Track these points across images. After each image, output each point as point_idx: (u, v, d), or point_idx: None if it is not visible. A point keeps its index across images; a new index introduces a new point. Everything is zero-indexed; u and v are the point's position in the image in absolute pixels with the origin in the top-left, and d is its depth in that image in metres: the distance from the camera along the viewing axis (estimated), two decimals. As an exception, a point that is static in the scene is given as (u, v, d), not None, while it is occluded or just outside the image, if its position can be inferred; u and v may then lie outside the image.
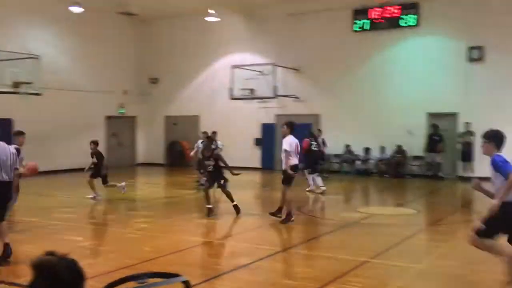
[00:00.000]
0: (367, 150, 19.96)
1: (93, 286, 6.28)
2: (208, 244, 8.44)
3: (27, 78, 16.73)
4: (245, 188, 16.70)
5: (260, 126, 22.56)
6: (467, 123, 18.13)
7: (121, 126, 24.38)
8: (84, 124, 21.90)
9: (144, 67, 25.21)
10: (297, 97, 21.52)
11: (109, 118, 23.49)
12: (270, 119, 22.37)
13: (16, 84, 16.23)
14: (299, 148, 10.60)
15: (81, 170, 17.81)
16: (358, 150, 20.20)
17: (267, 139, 22.42)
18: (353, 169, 20.12)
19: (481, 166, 17.92)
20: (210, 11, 21.04)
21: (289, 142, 10.13)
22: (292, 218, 9.97)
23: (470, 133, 17.94)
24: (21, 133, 9.99)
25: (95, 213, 12.24)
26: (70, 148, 16.52)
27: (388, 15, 19.76)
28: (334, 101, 20.80)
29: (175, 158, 24.01)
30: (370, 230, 9.72)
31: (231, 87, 20.48)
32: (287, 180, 10.30)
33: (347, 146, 20.30)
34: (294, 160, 10.22)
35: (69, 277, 1.85)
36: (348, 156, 20.32)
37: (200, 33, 23.45)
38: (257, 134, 22.58)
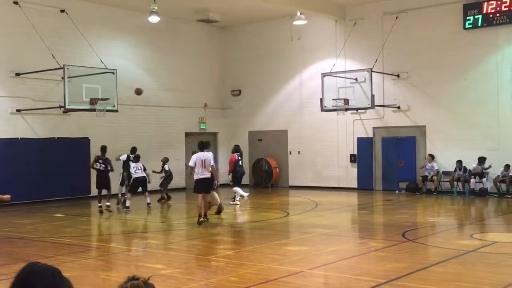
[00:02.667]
0: (481, 163, 19.06)
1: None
2: (300, 274, 8.40)
3: (104, 94, 17.68)
4: (340, 211, 16.59)
5: (355, 140, 22.31)
6: None
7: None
8: (162, 142, 22.73)
9: (225, 79, 25.86)
10: (397, 107, 21.13)
11: (189, 134, 24.20)
12: (367, 133, 22.09)
13: (93, 101, 17.18)
14: (205, 163, 13.52)
15: (158, 191, 18.50)
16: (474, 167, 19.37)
17: (364, 155, 22.11)
18: (468, 189, 19.31)
19: None
20: (298, 14, 21.26)
21: (193, 159, 13.69)
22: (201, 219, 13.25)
23: None
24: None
25: (176, 238, 12.61)
26: (148, 167, 17.24)
27: (505, 8, 18.98)
28: (442, 110, 20.23)
29: (261, 178, 24.26)
30: (491, 261, 9.28)
31: (322, 98, 20.44)
32: (196, 188, 13.79)
33: (460, 162, 19.53)
34: (197, 175, 13.53)
35: None
36: (461, 174, 19.53)
37: (286, 38, 23.75)
38: (353, 149, 22.32)
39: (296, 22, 21.87)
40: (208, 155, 13.85)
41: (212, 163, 13.80)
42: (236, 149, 17.96)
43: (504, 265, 8.93)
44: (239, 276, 8.27)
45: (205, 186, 13.72)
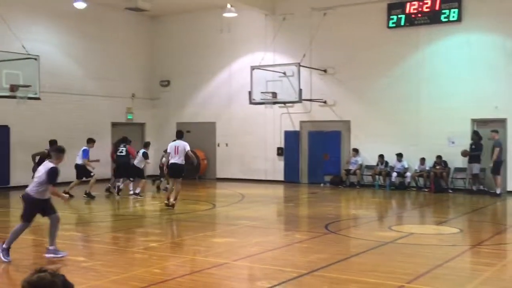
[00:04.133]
0: (400, 159, 19.82)
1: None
2: (224, 266, 8.47)
3: (25, 80, 17.05)
4: (266, 204, 16.75)
5: (282, 134, 22.60)
6: (494, 131, 18.08)
7: (128, 133, 24.60)
8: (87, 131, 22.16)
9: (154, 69, 25.54)
10: (324, 102, 21.56)
11: (115, 124, 23.76)
12: (294, 126, 22.43)
13: (13, 88, 16.54)
14: (178, 150, 14.48)
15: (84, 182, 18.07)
16: (393, 161, 20.09)
17: (291, 148, 22.44)
18: (388, 183, 20.01)
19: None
20: (228, 6, 21.24)
21: (169, 146, 14.95)
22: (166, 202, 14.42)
23: (497, 142, 17.92)
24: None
25: (99, 230, 12.38)
26: (71, 157, 16.74)
27: (427, 9, 19.72)
28: (366, 106, 20.81)
29: (189, 169, 24.11)
30: (406, 251, 9.67)
31: (251, 91, 20.55)
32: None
33: (381, 156, 20.21)
34: (170, 160, 14.69)
35: None
36: (382, 168, 20.22)
37: (216, 30, 23.69)
38: (280, 143, 22.60)
39: (226, 14, 21.86)
40: (182, 143, 14.64)
41: (187, 149, 14.53)
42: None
43: (418, 255, 9.32)
44: (162, 268, 8.25)
45: (174, 171, 14.69)
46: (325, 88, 21.63)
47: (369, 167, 20.80)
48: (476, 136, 18.58)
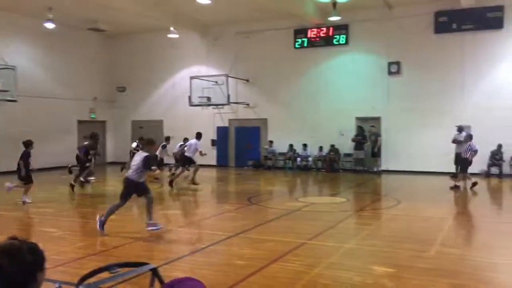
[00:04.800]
0: (305, 147, 20.28)
1: (64, 271, 6.15)
2: (170, 232, 8.38)
3: (4, 86, 16.13)
4: (203, 183, 16.67)
5: (215, 129, 22.52)
6: (372, 126, 18.90)
7: (92, 129, 23.76)
8: (56, 128, 21.28)
9: (112, 77, 24.69)
10: (247, 104, 21.63)
11: (81, 122, 22.87)
12: (224, 123, 22.40)
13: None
14: (191, 148, 14.87)
15: (56, 169, 17.28)
16: (299, 149, 20.49)
17: (222, 140, 22.43)
18: (295, 166, 20.40)
19: (394, 161, 18.65)
20: (171, 28, 20.84)
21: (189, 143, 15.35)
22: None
23: (375, 134, 18.80)
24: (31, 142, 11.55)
25: (69, 207, 11.90)
26: (45, 150, 16.10)
27: (323, 35, 20.14)
28: (279, 107, 21.04)
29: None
30: (309, 217, 9.91)
31: (190, 95, 20.38)
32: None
33: (291, 145, 20.57)
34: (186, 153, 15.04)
35: (33, 258, 1.83)
36: (291, 154, 20.58)
37: (163, 47, 23.20)
38: (213, 136, 22.53)
39: (170, 35, 21.44)
40: (195, 142, 15.01)
41: (198, 148, 14.88)
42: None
43: (317, 219, 9.58)
44: (120, 235, 8.06)
45: (185, 161, 15.23)
46: (248, 93, 21.69)
47: (281, 154, 21.10)
48: (361, 130, 19.26)
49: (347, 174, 18.83)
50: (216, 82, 20.51)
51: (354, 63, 19.70)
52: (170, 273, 5.41)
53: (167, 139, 18.29)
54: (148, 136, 10.28)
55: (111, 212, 8.30)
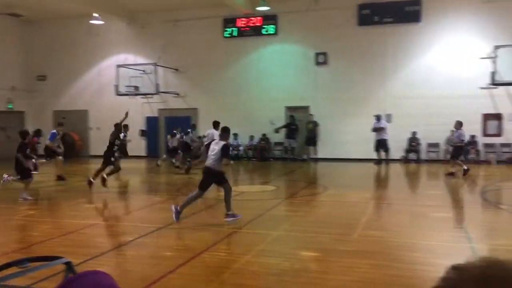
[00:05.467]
0: (236, 137, 20.35)
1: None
2: (95, 226, 8.08)
3: None
4: (132, 174, 16.25)
5: (144, 119, 21.97)
6: (311, 114, 19.37)
7: (9, 120, 22.34)
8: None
9: (31, 65, 23.27)
10: (177, 94, 21.29)
11: (-3, 113, 21.40)
12: (154, 113, 21.92)
13: None
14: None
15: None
16: (231, 138, 20.45)
17: (152, 130, 21.93)
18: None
19: (322, 149, 19.25)
20: (94, 14, 19.96)
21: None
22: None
23: (314, 122, 19.22)
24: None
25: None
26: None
27: (252, 24, 20.22)
28: (210, 97, 20.91)
29: (66, 149, 22.50)
30: (239, 205, 9.93)
31: (117, 84, 19.70)
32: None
33: (221, 135, 20.52)
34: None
35: None
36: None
37: (87, 34, 22.19)
38: (142, 126, 21.96)
39: (93, 21, 20.52)
40: (213, 132, 14.15)
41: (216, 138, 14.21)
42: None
43: (248, 207, 9.62)
44: (40, 231, 7.66)
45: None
46: (177, 83, 21.35)
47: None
48: (293, 119, 19.63)
49: (277, 163, 19.15)
50: (144, 71, 19.97)
51: (283, 53, 19.99)
52: (93, 269, 5.22)
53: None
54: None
55: (189, 203, 8.09)
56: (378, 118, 17.30)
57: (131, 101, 20.86)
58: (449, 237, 7.10)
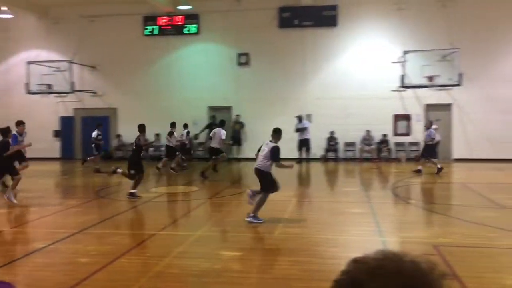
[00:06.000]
0: (157, 137, 19.91)
1: None
2: (2, 233, 7.52)
3: None
4: (46, 178, 15.36)
5: (59, 119, 20.83)
6: (238, 115, 19.46)
7: None
8: None
9: None
10: (94, 93, 20.44)
11: None
12: (69, 113, 20.86)
13: None
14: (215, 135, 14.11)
15: None
16: (152, 139, 19.98)
17: (67, 131, 20.85)
18: (148, 156, 19.90)
19: (245, 149, 19.42)
20: (3, 8, 18.61)
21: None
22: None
23: (240, 123, 19.33)
24: (21, 123, 11.31)
25: None
26: None
27: (174, 23, 19.93)
28: (131, 96, 20.31)
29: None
30: (161, 207, 9.78)
31: (27, 82, 18.49)
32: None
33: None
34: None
35: None
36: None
37: (-7, 28, 20.61)
38: (56, 126, 20.81)
39: (1, 15, 19.11)
40: (219, 130, 14.19)
41: (223, 137, 14.17)
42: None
43: (169, 209, 9.54)
44: None
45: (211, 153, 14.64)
46: (95, 81, 20.50)
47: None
48: (214, 119, 19.52)
49: (201, 163, 18.98)
50: (58, 68, 18.94)
51: (205, 53, 19.90)
52: (1, 278, 4.86)
53: (172, 125, 16.44)
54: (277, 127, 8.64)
55: (260, 206, 7.92)
56: (300, 118, 17.86)
57: (44, 100, 19.71)
58: (363, 232, 7.47)
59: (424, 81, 16.71)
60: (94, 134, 16.04)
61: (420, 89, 17.40)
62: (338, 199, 10.86)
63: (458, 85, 16.47)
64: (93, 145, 16.14)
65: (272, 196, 10.46)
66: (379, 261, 0.91)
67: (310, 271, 5.48)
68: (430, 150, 14.24)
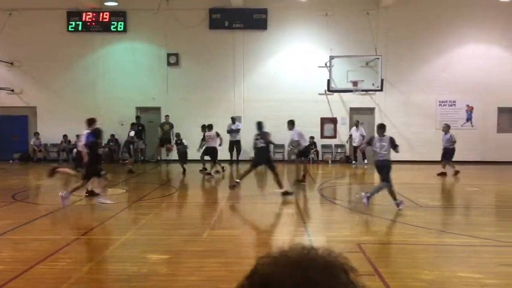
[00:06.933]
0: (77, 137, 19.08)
1: None
2: None
3: None
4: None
5: (-30, 117, 19.35)
6: (167, 115, 19.13)
7: None
8: None
9: None
10: (11, 90, 19.22)
11: None
12: (-18, 111, 19.45)
13: None
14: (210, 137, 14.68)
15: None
16: (74, 139, 19.14)
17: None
18: (71, 157, 19.02)
19: (174, 151, 19.09)
20: None
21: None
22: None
23: (169, 124, 18.99)
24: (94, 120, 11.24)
25: None
26: None
27: (100, 20, 19.23)
28: (52, 94, 19.33)
29: None
30: (84, 211, 9.38)
31: None
32: None
33: (65, 136, 19.08)
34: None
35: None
36: (65, 146, 19.12)
37: None
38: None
39: None
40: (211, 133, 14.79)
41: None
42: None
43: (94, 213, 9.13)
44: None
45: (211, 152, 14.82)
46: (12, 78, 19.28)
47: (53, 145, 19.44)
48: (139, 120, 19.05)
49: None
50: (-29, 63, 17.61)
51: (133, 52, 19.39)
52: None
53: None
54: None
55: (377, 191, 9.26)
56: (233, 120, 17.90)
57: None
58: (292, 232, 7.63)
59: (349, 86, 17.41)
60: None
61: (346, 93, 18.12)
62: (267, 200, 11.00)
63: (380, 90, 17.34)
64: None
65: (201, 198, 10.43)
66: (283, 253, 0.94)
67: (238, 272, 5.49)
68: (451, 154, 14.72)
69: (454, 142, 14.73)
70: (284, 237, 7.30)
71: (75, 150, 18.13)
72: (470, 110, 19.20)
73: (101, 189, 9.88)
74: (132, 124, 17.03)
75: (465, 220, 9.00)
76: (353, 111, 19.24)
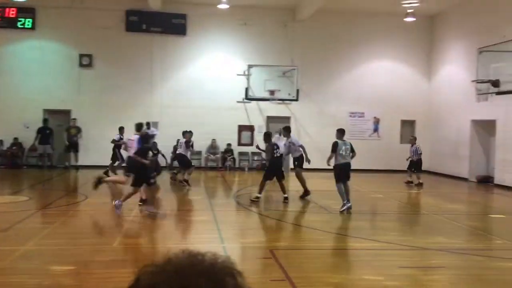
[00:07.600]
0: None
1: None
2: None
3: None
4: None
5: None
6: (74, 119, 18.26)
7: None
8: None
9: None
10: None
11: None
12: None
13: None
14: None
15: None
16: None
17: None
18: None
19: (85, 156, 18.29)
20: None
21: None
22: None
23: (77, 128, 18.15)
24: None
25: None
26: None
27: (6, 15, 17.93)
28: None
29: None
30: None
31: None
32: None
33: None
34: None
35: None
36: (-40, 149, 17.50)
37: None
38: None
39: None
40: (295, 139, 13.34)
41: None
42: None
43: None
44: None
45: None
46: None
47: None
48: (46, 123, 18.00)
49: (32, 170, 17.33)
50: None
51: (42, 51, 18.27)
52: None
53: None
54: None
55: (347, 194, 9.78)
56: (148, 125, 17.25)
57: None
58: (205, 239, 7.58)
59: (266, 95, 17.76)
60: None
61: (263, 101, 18.45)
62: (181, 207, 10.85)
63: (296, 100, 17.88)
64: None
65: (110, 206, 10.03)
66: (168, 260, 0.93)
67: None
68: (418, 165, 15.61)
69: (421, 154, 15.74)
70: (197, 244, 7.22)
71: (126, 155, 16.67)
72: (376, 121, 20.42)
73: (149, 198, 9.19)
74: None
75: (370, 225, 9.52)
76: (270, 119, 19.64)
